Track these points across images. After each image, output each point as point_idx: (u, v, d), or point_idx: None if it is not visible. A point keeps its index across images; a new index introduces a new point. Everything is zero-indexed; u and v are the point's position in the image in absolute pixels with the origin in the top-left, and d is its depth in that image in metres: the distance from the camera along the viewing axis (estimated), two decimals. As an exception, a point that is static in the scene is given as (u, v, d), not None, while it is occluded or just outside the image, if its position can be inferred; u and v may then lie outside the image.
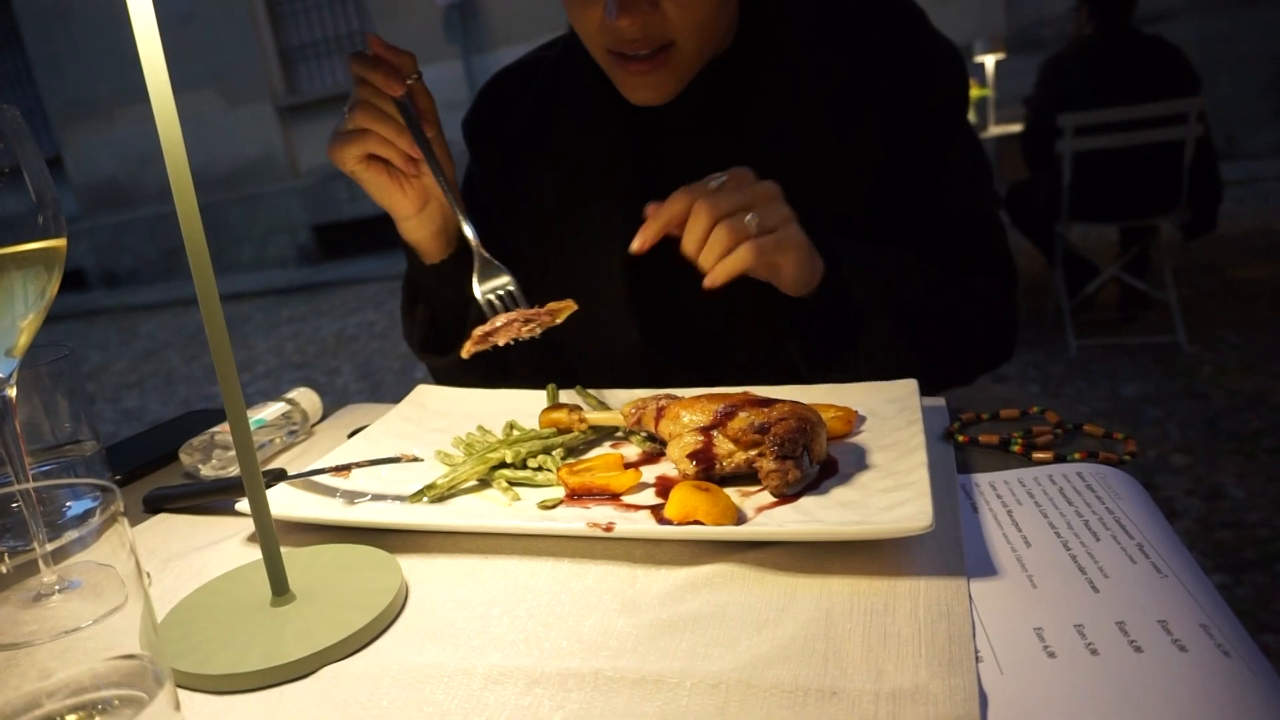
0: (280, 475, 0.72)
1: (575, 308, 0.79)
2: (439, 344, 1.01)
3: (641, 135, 0.96)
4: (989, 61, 4.81)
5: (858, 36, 0.92)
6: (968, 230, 0.95)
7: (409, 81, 0.83)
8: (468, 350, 0.78)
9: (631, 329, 0.96)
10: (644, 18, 0.80)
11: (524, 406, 0.88)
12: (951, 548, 0.55)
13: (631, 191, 0.95)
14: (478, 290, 0.85)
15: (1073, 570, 0.52)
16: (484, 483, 0.72)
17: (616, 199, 0.95)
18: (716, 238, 0.72)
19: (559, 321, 0.78)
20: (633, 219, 0.94)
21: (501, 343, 0.76)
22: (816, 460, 0.65)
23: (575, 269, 0.98)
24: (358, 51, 0.84)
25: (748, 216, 0.73)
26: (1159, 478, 2.42)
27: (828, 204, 0.92)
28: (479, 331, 0.76)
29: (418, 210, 0.91)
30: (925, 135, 0.93)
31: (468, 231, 0.87)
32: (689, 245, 0.74)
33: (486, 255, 0.86)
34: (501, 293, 0.84)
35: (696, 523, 0.59)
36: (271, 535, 0.56)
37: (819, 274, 0.81)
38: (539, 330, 0.77)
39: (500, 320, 0.77)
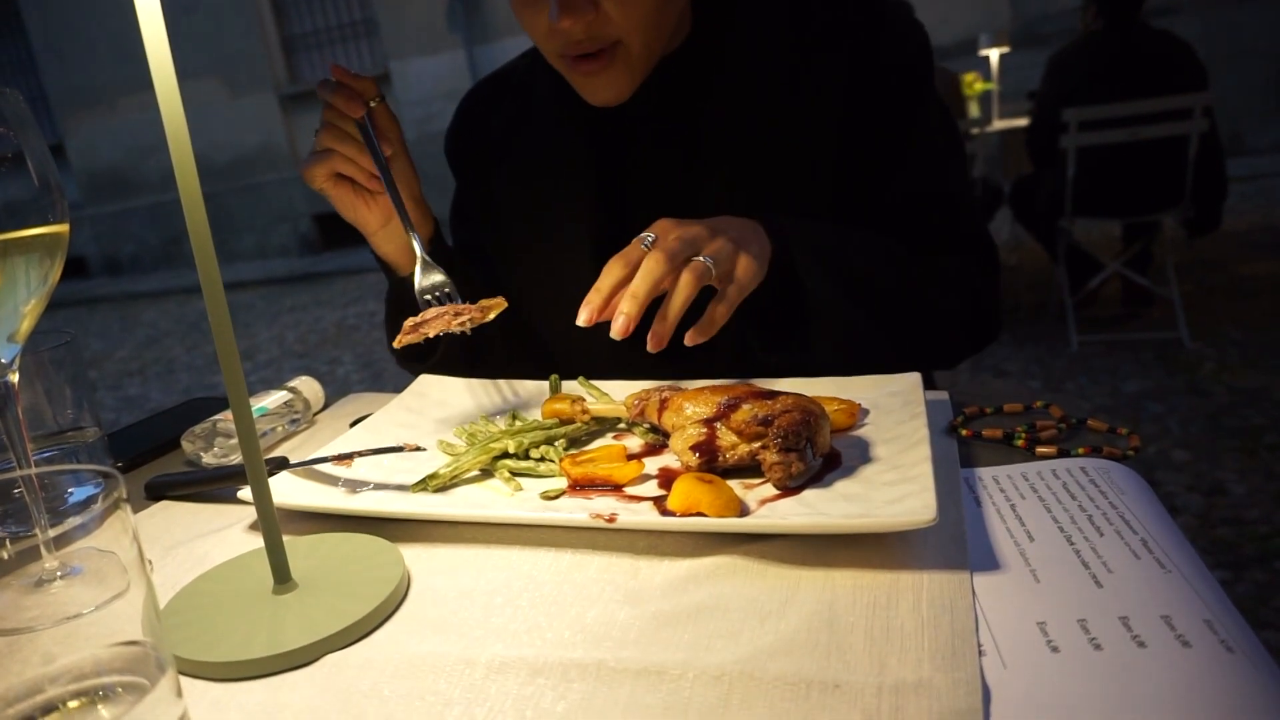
0: (282, 464, 0.72)
1: (505, 305, 0.81)
2: (418, 352, 1.03)
3: (604, 136, 0.97)
4: (993, 55, 4.79)
5: (811, 17, 0.92)
6: (936, 210, 0.94)
7: (371, 105, 0.88)
8: (400, 340, 0.80)
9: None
10: (585, 18, 0.81)
11: (527, 397, 0.88)
12: (955, 541, 0.55)
13: (595, 192, 0.97)
14: (417, 290, 0.89)
15: (1076, 565, 0.52)
16: (486, 473, 0.72)
17: (582, 200, 0.97)
18: (684, 282, 0.71)
19: (489, 318, 0.81)
20: (597, 219, 0.96)
21: (432, 334, 0.79)
22: (820, 453, 0.65)
23: (548, 269, 1.01)
24: (324, 79, 0.88)
25: (703, 258, 0.72)
26: (1160, 474, 2.42)
27: (789, 189, 0.92)
28: (410, 322, 0.79)
29: (382, 225, 0.94)
30: (887, 113, 0.92)
31: (414, 242, 0.90)
32: (641, 289, 0.70)
33: (427, 258, 0.90)
34: (438, 293, 0.89)
35: (699, 515, 0.59)
36: (273, 523, 0.56)
37: (767, 257, 0.80)
38: (469, 325, 0.80)
39: (431, 313, 0.80)
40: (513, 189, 1.03)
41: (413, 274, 0.95)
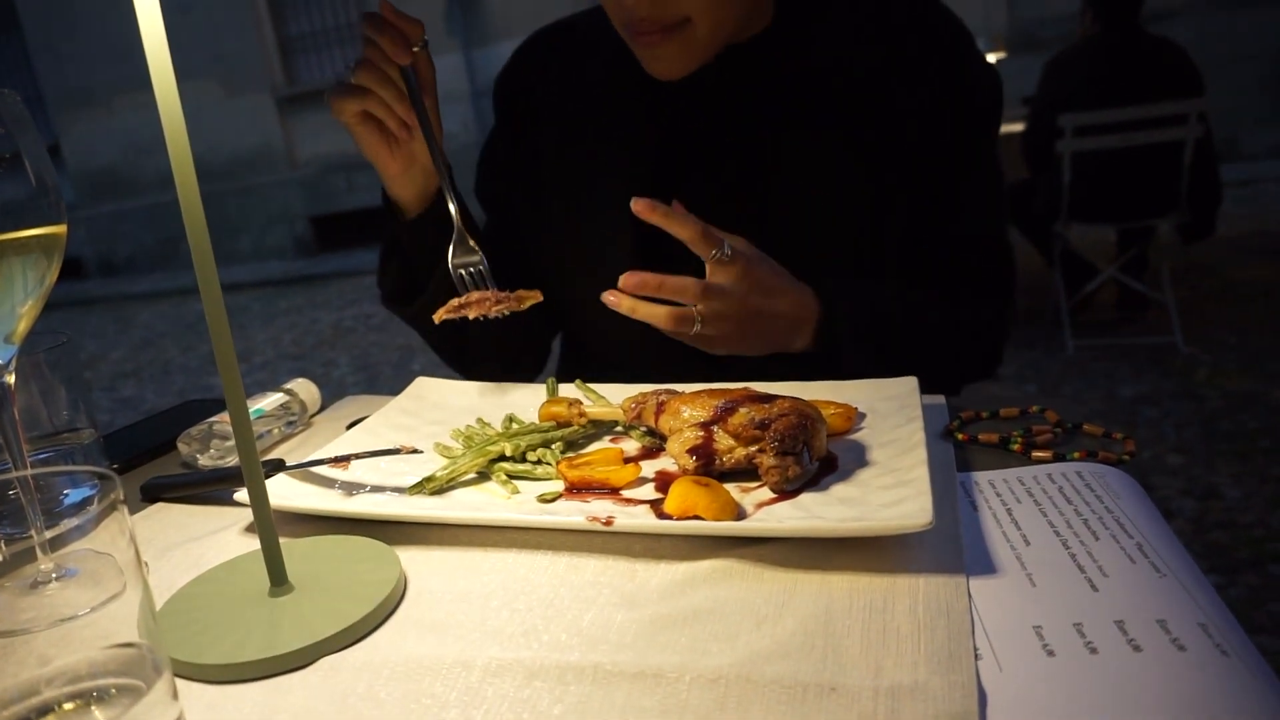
0: (279, 466, 0.72)
1: (540, 299, 0.85)
2: (408, 295, 1.02)
3: (666, 110, 0.96)
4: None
5: (900, 44, 0.92)
6: (977, 252, 0.97)
7: (415, 50, 0.86)
8: (439, 316, 0.83)
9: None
10: None
11: (523, 400, 0.88)
12: (951, 545, 0.55)
13: (648, 164, 0.96)
14: (451, 263, 0.90)
15: (1072, 569, 0.52)
16: (483, 475, 0.72)
17: (633, 169, 0.96)
18: (665, 319, 0.79)
19: (523, 308, 0.84)
20: (645, 191, 0.95)
21: (472, 316, 0.83)
22: (816, 457, 0.65)
23: (587, 236, 1.00)
24: (371, 13, 0.86)
25: (699, 324, 0.80)
26: (1154, 478, 2.42)
27: (841, 199, 0.92)
28: (454, 302, 0.83)
29: (403, 172, 0.94)
30: (953, 155, 0.93)
31: (451, 206, 0.90)
32: (663, 289, 0.79)
33: (465, 233, 0.90)
34: (472, 270, 0.90)
35: (696, 518, 0.59)
36: (270, 526, 0.56)
37: (805, 334, 0.86)
38: (506, 311, 0.83)
39: (475, 296, 0.83)
40: (561, 145, 1.02)
41: (414, 219, 0.96)
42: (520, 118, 1.06)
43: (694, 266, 0.84)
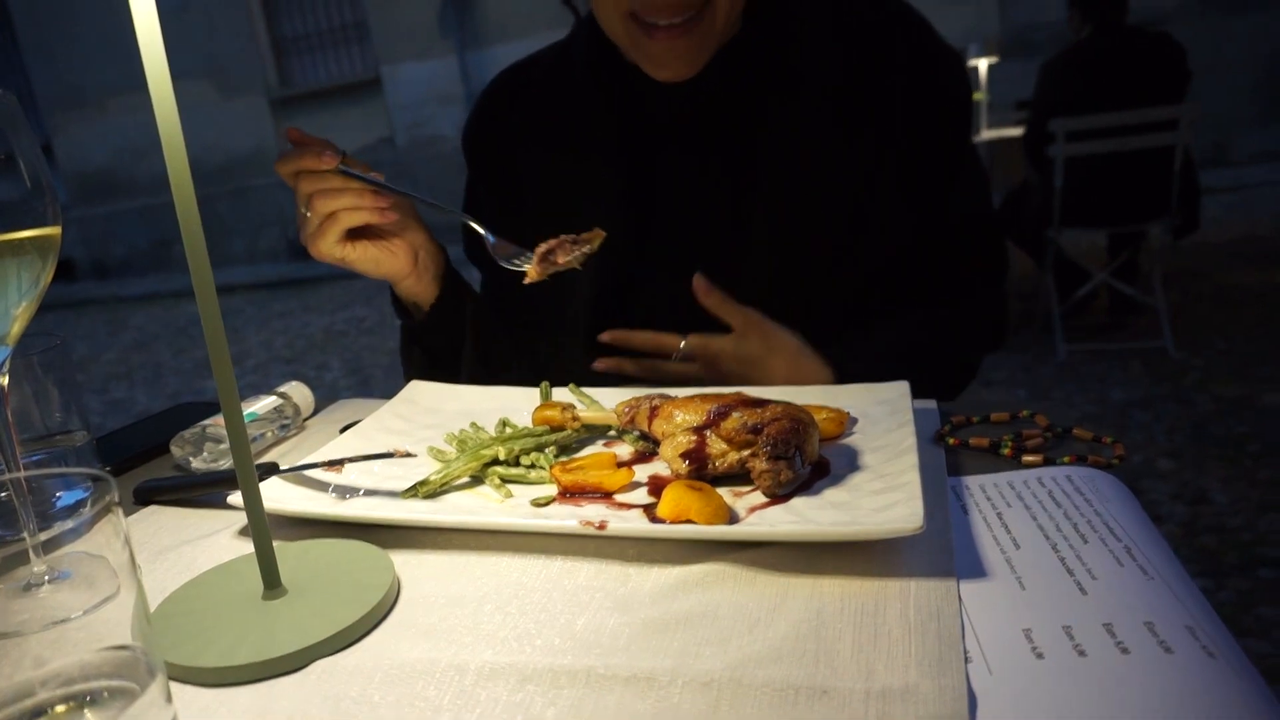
0: (272, 469, 0.72)
1: (604, 235, 0.82)
2: (439, 377, 1.02)
3: (640, 135, 0.96)
4: (982, 65, 4.83)
5: (860, 38, 0.92)
6: (972, 235, 0.98)
7: (342, 155, 0.84)
8: (533, 275, 0.81)
9: (585, 358, 0.97)
10: None
11: (517, 404, 0.88)
12: (941, 549, 0.55)
13: (625, 194, 0.96)
14: (501, 258, 0.86)
15: (1061, 572, 0.52)
16: (476, 479, 0.72)
17: (610, 201, 0.96)
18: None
19: (596, 248, 0.82)
20: (625, 221, 0.95)
21: (561, 261, 0.81)
22: (809, 461, 0.65)
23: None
24: (280, 153, 0.85)
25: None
26: (1144, 482, 2.43)
27: (821, 207, 0.93)
28: (541, 249, 0.81)
29: (413, 266, 0.93)
30: (937, 148, 0.94)
31: (477, 227, 0.87)
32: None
33: (483, 230, 0.88)
34: (519, 259, 0.86)
35: (689, 522, 0.59)
36: (264, 529, 0.56)
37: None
38: (586, 251, 0.81)
39: (553, 242, 0.81)
40: (540, 177, 1.01)
41: (428, 313, 0.95)
42: (493, 162, 1.05)
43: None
